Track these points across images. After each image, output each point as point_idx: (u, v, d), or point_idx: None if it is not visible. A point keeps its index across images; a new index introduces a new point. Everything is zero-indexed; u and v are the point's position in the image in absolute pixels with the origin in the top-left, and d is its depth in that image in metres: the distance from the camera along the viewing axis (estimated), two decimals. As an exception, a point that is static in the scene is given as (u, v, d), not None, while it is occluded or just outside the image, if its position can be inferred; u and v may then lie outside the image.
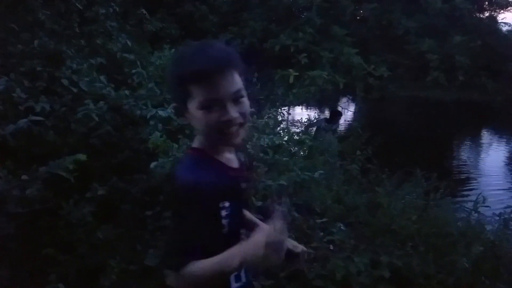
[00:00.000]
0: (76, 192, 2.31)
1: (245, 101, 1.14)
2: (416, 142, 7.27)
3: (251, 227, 1.33)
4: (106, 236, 2.19)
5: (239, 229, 1.23)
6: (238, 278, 1.19)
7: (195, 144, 1.19)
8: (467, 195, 6.52)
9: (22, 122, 2.14)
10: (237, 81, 1.11)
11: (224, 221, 1.12)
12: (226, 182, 1.16)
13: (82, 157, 1.95)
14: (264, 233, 1.08)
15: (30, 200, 1.93)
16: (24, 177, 1.92)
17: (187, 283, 1.05)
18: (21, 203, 1.91)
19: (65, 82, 2.83)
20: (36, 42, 3.19)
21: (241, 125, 1.12)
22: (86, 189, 2.36)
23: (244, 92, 1.13)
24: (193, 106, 1.09)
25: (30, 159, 2.34)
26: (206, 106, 1.08)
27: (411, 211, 3.91)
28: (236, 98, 1.10)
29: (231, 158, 1.24)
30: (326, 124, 6.73)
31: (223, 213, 1.11)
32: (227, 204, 1.12)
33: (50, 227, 2.18)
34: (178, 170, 1.14)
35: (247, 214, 1.40)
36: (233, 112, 1.08)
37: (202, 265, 1.05)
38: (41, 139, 2.46)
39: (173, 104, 1.18)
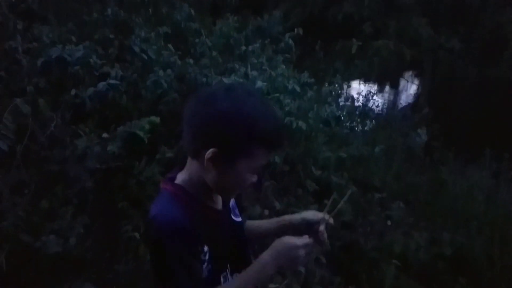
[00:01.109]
0: (146, 154, 2.46)
1: None
2: (487, 123, 6.77)
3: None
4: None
5: (219, 274, 1.10)
6: None
7: (178, 180, 1.08)
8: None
9: (101, 85, 2.29)
10: None
11: (203, 266, 1.03)
12: (206, 225, 1.05)
13: (155, 119, 2.07)
14: (274, 251, 1.06)
15: (107, 158, 2.09)
16: (105, 135, 2.09)
17: None
18: (100, 159, 2.08)
19: (136, 49, 2.96)
20: (109, 10, 3.33)
21: None
22: (155, 152, 2.51)
23: None
24: (244, 166, 1.01)
25: (105, 121, 2.51)
26: (256, 171, 1.03)
27: (478, 191, 3.72)
28: None
29: (215, 200, 1.14)
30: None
31: (202, 257, 1.03)
32: (205, 248, 1.03)
33: (123, 184, 2.35)
34: (154, 209, 1.04)
35: (263, 225, 1.33)
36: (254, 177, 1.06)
37: None
38: (114, 103, 2.62)
39: (213, 150, 0.98)
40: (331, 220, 1.16)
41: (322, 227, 1.13)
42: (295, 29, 3.83)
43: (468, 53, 5.90)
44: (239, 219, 1.22)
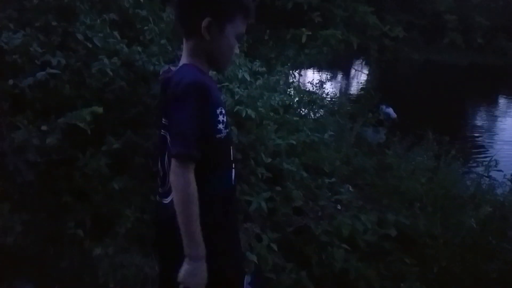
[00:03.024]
0: (91, 145, 2.38)
1: None
2: (430, 106, 7.18)
3: None
4: (121, 186, 2.27)
5: (231, 141, 1.43)
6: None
7: (188, 61, 1.35)
8: (480, 160, 6.48)
9: (40, 74, 2.18)
10: None
11: (221, 126, 1.30)
12: (219, 93, 1.39)
13: (98, 109, 2.01)
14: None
15: (49, 150, 2.01)
16: (43, 127, 2.00)
17: (180, 181, 1.20)
18: (40, 152, 1.99)
19: (80, 37, 2.83)
20: (51, -5, 3.15)
21: None
22: (101, 142, 2.43)
23: None
24: (230, 30, 1.32)
25: (47, 112, 2.40)
26: (238, 37, 1.36)
27: (421, 173, 3.93)
28: None
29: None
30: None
31: (220, 118, 1.29)
32: (223, 110, 1.31)
33: (67, 177, 2.26)
34: (182, 73, 1.28)
35: None
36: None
37: (192, 191, 1.20)
38: (57, 92, 2.50)
39: (207, 19, 1.29)
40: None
41: None
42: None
43: (411, 40, 6.15)
44: None
